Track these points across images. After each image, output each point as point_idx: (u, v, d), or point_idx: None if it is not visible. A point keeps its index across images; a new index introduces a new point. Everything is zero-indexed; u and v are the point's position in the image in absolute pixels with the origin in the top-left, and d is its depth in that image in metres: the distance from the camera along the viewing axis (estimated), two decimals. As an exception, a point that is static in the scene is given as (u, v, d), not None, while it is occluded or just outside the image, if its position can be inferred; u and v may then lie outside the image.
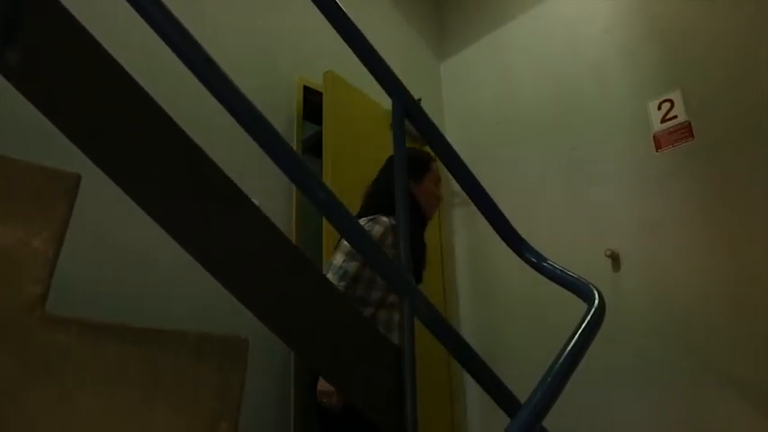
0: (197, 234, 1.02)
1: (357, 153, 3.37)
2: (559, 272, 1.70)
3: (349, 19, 1.52)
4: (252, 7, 3.53)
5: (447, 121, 4.53)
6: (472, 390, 3.82)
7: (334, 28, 1.52)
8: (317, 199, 1.23)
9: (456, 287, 4.16)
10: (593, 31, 3.83)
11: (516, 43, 4.30)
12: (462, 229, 4.27)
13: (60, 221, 0.76)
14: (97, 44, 1.01)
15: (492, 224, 1.79)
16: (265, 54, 3.49)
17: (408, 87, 1.58)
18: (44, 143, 1.71)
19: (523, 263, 1.80)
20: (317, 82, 3.59)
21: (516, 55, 4.27)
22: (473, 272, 4.14)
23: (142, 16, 1.05)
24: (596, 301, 1.52)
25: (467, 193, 1.77)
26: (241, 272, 1.10)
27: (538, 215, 3.71)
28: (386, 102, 3.91)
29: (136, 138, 0.99)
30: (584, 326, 1.42)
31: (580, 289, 1.61)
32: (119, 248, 2.50)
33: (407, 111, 1.53)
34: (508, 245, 1.79)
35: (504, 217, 1.80)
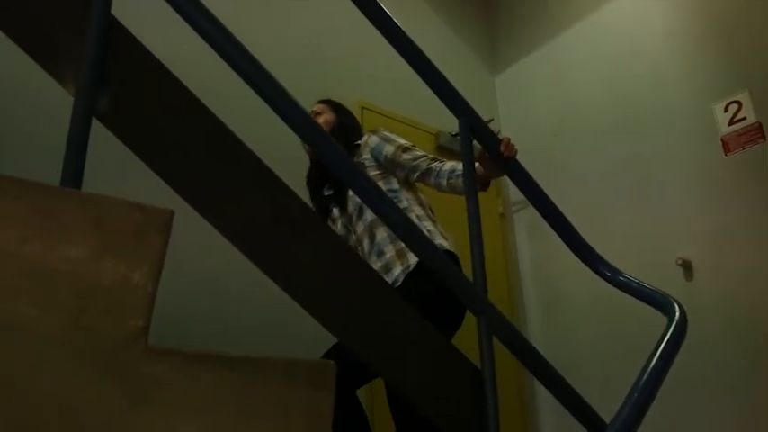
0: (282, 264, 1.04)
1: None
2: (636, 285, 1.66)
3: (412, 42, 1.53)
4: (310, 30, 3.60)
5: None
6: (545, 408, 3.76)
7: (398, 51, 1.54)
8: (390, 221, 1.24)
9: (523, 301, 4.11)
10: (651, 35, 3.75)
11: (572, 52, 4.25)
12: (525, 241, 4.23)
13: (158, 256, 0.79)
14: (178, 82, 1.05)
15: (563, 239, 1.77)
16: (325, 76, 3.54)
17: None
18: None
19: (592, 273, 1.78)
20: (375, 104, 3.65)
21: (572, 64, 4.22)
22: (539, 284, 4.09)
23: (217, 50, 1.09)
24: (677, 314, 1.48)
25: (537, 209, 1.75)
26: (323, 296, 1.12)
27: (603, 225, 3.61)
28: (428, 125, 3.92)
29: (219, 171, 1.02)
30: (666, 340, 1.38)
31: (659, 302, 1.57)
32: (191, 273, 2.57)
33: (473, 129, 1.53)
34: (581, 259, 1.77)
35: (576, 231, 1.77)
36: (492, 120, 4.09)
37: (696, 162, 3.37)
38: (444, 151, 3.94)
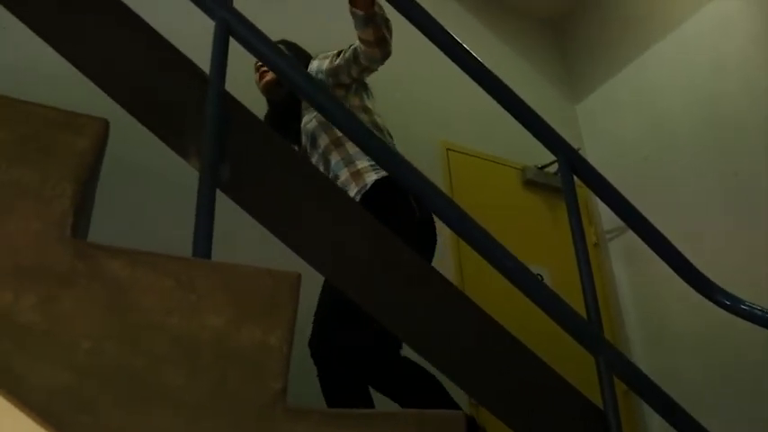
0: (398, 314, 1.06)
1: (484, 215, 3.45)
2: (760, 313, 1.58)
3: (501, 81, 1.54)
4: (392, 72, 3.65)
5: (590, 164, 4.41)
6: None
7: (488, 92, 1.54)
8: (501, 264, 1.24)
9: (625, 333, 3.95)
10: (743, 45, 3.60)
11: (657, 70, 4.11)
12: (623, 270, 4.08)
13: (290, 318, 0.82)
14: (289, 147, 1.10)
15: (672, 267, 1.70)
16: (406, 118, 3.54)
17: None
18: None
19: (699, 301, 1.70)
20: (460, 144, 3.68)
21: (659, 83, 4.08)
22: (642, 315, 3.93)
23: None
24: (810, 342, 1.39)
25: (639, 235, 1.69)
26: (439, 345, 1.12)
27: (704, 249, 3.42)
28: (513, 160, 3.86)
29: (334, 230, 1.05)
30: (802, 370, 1.30)
31: (789, 329, 1.48)
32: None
33: (573, 165, 1.51)
34: (694, 288, 1.69)
35: (685, 258, 1.70)
36: (579, 149, 4.03)
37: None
38: (531, 185, 3.90)
